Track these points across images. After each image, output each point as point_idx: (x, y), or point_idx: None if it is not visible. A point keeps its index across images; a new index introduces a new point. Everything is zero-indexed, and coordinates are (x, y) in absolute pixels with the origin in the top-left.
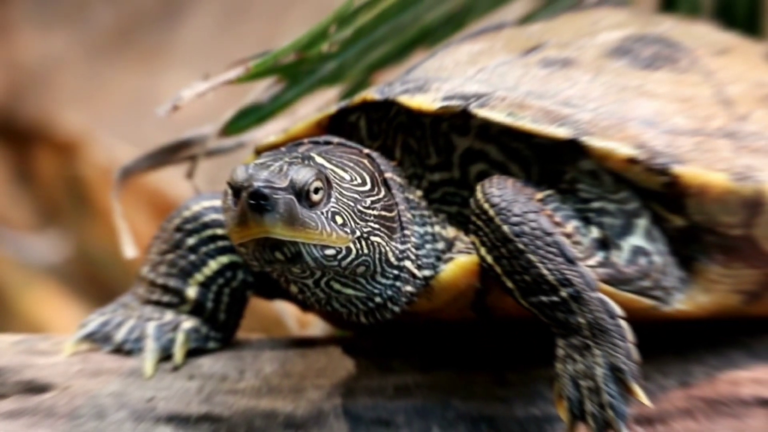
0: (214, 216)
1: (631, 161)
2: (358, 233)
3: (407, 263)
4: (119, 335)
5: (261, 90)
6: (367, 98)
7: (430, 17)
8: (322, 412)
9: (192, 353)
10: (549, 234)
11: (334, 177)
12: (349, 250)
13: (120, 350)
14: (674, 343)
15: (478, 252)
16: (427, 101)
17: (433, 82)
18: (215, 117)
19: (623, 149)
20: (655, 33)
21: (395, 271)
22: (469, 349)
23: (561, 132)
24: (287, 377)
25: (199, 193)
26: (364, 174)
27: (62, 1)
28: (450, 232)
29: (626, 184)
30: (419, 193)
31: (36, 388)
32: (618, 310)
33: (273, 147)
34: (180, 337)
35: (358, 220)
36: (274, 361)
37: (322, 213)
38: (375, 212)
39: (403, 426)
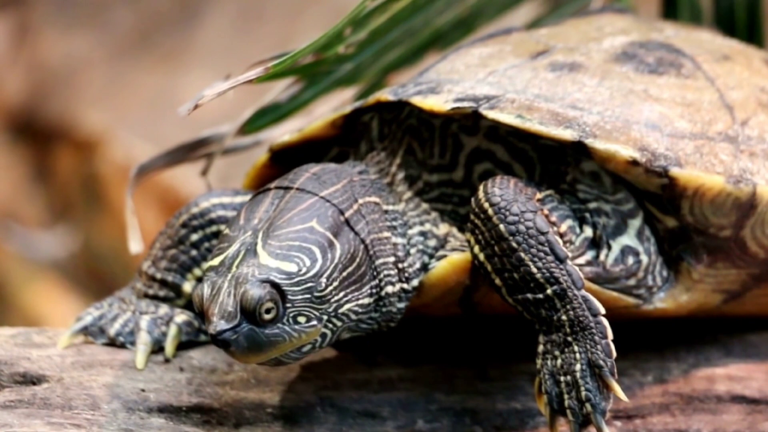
0: (221, 212)
1: (633, 163)
2: (325, 318)
3: (388, 289)
4: (113, 329)
5: (279, 90)
6: (381, 99)
7: (441, 21)
8: (309, 404)
9: (183, 346)
10: (543, 233)
11: (282, 278)
12: (324, 335)
13: (113, 343)
14: (653, 341)
15: (471, 250)
16: (439, 102)
17: (445, 84)
18: (231, 116)
19: (625, 151)
20: (659, 39)
21: (376, 305)
22: (451, 345)
23: (567, 134)
24: (274, 370)
25: (211, 190)
26: (313, 248)
27: (81, 3)
28: (442, 229)
29: (624, 185)
30: (409, 194)
31: (30, 379)
32: (600, 308)
33: (287, 146)
34: (172, 330)
35: (320, 306)
36: None
37: (283, 323)
38: (335, 283)
39: (388, 418)
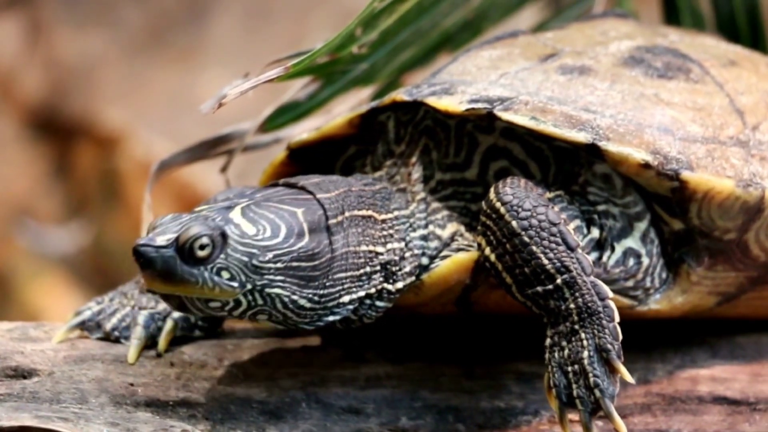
0: None
1: (645, 166)
2: (249, 286)
3: (344, 298)
4: (110, 323)
5: (297, 89)
6: (396, 99)
7: (449, 22)
8: (294, 400)
9: (177, 341)
10: (555, 224)
11: (234, 232)
12: (238, 302)
13: (108, 338)
14: (641, 342)
15: (482, 252)
16: (453, 103)
17: (459, 85)
18: (247, 113)
19: (638, 154)
20: (665, 44)
21: (315, 312)
22: (441, 343)
23: (581, 136)
24: (264, 366)
25: (230, 187)
26: (282, 225)
27: (90, 2)
28: (449, 229)
29: (634, 188)
30: (422, 194)
31: (21, 373)
32: (608, 291)
33: (305, 144)
34: (167, 326)
35: (251, 274)
36: (253, 350)
37: (206, 268)
38: (279, 265)
39: (372, 414)
